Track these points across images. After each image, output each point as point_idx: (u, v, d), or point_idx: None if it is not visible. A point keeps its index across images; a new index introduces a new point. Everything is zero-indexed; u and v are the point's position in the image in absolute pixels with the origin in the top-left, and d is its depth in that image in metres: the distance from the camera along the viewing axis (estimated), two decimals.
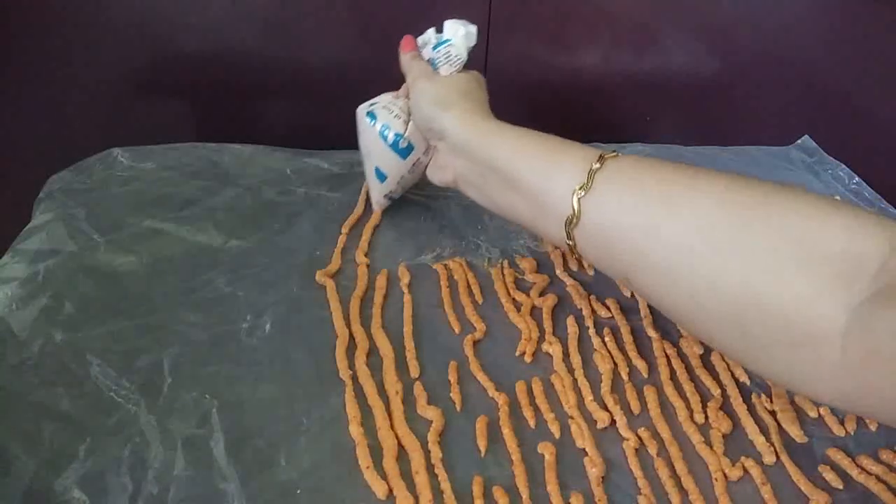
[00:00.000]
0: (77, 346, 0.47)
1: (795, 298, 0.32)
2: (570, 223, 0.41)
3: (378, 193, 0.61)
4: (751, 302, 0.33)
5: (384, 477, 0.41)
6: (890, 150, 0.81)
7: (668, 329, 0.54)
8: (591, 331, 0.53)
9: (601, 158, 0.41)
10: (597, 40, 0.80)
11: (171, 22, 0.73)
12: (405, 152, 0.57)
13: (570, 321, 0.54)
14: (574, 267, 0.59)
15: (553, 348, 0.51)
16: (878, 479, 0.44)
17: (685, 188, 0.37)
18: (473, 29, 0.56)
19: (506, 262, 0.59)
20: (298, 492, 0.40)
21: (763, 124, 0.86)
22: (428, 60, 0.56)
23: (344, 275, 0.56)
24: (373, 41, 0.77)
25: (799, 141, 0.81)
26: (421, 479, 0.41)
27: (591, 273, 0.59)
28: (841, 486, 0.44)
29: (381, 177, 0.59)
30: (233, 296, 0.53)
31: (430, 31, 0.58)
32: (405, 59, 0.57)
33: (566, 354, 0.51)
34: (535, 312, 0.55)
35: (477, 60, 0.78)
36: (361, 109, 0.59)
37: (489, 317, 0.54)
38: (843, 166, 0.77)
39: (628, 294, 0.57)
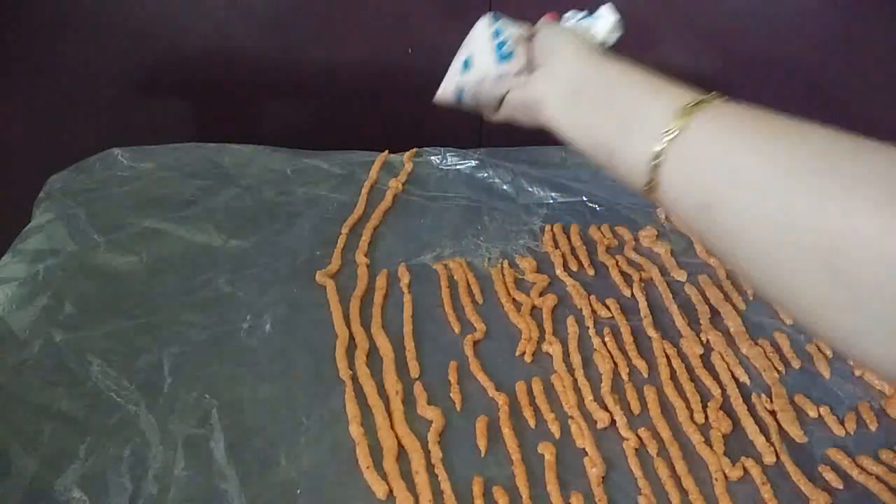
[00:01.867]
0: (77, 346, 0.47)
1: None
2: (665, 140, 0.39)
3: (451, 82, 0.60)
4: (849, 236, 0.30)
5: (384, 477, 0.41)
6: None
7: (668, 329, 0.54)
8: (591, 331, 0.53)
9: (710, 94, 0.39)
10: None
11: (171, 22, 0.73)
12: (503, 57, 0.57)
13: (570, 321, 0.54)
14: (574, 267, 0.59)
15: (553, 348, 0.51)
16: (878, 479, 0.44)
17: (791, 125, 0.36)
18: (618, 21, 0.57)
19: (506, 262, 0.59)
20: (298, 492, 0.40)
21: None
22: None
23: (344, 275, 0.56)
24: (373, 41, 0.77)
25: None
26: (421, 479, 0.41)
27: (592, 273, 0.59)
28: (841, 486, 0.44)
29: (466, 66, 0.59)
30: (233, 296, 0.53)
31: (575, 12, 0.58)
32: (541, 22, 0.57)
33: (566, 354, 0.51)
34: (535, 312, 0.55)
35: None
36: (489, 13, 0.59)
37: (489, 317, 0.54)
38: None
39: (628, 294, 0.57)
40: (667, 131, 0.38)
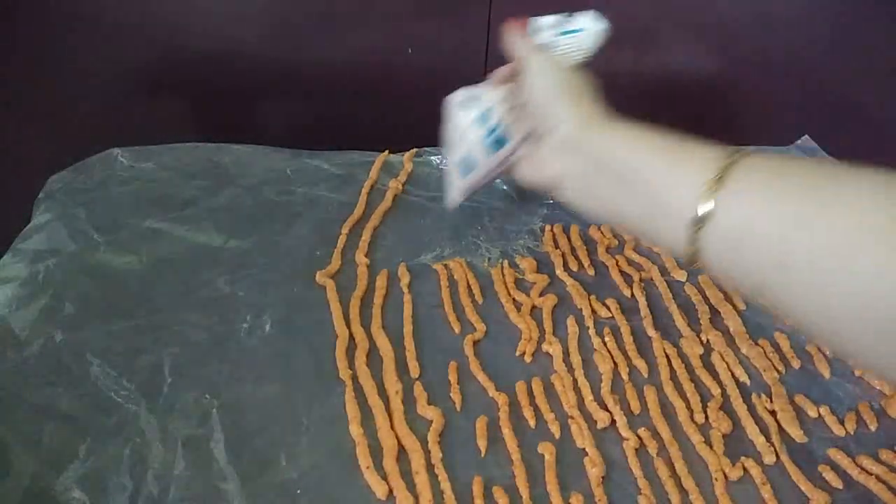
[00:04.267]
0: (77, 346, 0.47)
1: None
2: (698, 224, 0.36)
3: (458, 190, 0.56)
4: None
5: (384, 477, 0.41)
6: (890, 150, 0.81)
7: (668, 329, 0.54)
8: (591, 331, 0.53)
9: (732, 154, 0.36)
10: None
11: (172, 22, 0.73)
12: (499, 142, 0.52)
13: (570, 321, 0.54)
14: (574, 267, 0.59)
15: (553, 348, 0.51)
16: (878, 479, 0.44)
17: (832, 182, 0.32)
18: (605, 29, 0.51)
19: (506, 262, 0.59)
20: (298, 492, 0.40)
21: (763, 124, 0.86)
22: (541, 46, 0.50)
23: (344, 275, 0.56)
24: (373, 42, 0.77)
25: (799, 141, 0.81)
26: (421, 479, 0.41)
27: (592, 273, 0.59)
28: (841, 486, 0.44)
29: (467, 170, 0.54)
30: (233, 296, 0.53)
31: (552, 17, 0.51)
32: (516, 38, 0.51)
33: (566, 354, 0.51)
34: (535, 312, 0.55)
35: (477, 61, 0.78)
36: (454, 98, 0.54)
37: (489, 317, 0.54)
38: None
39: (628, 294, 0.57)
40: (702, 215, 0.35)
